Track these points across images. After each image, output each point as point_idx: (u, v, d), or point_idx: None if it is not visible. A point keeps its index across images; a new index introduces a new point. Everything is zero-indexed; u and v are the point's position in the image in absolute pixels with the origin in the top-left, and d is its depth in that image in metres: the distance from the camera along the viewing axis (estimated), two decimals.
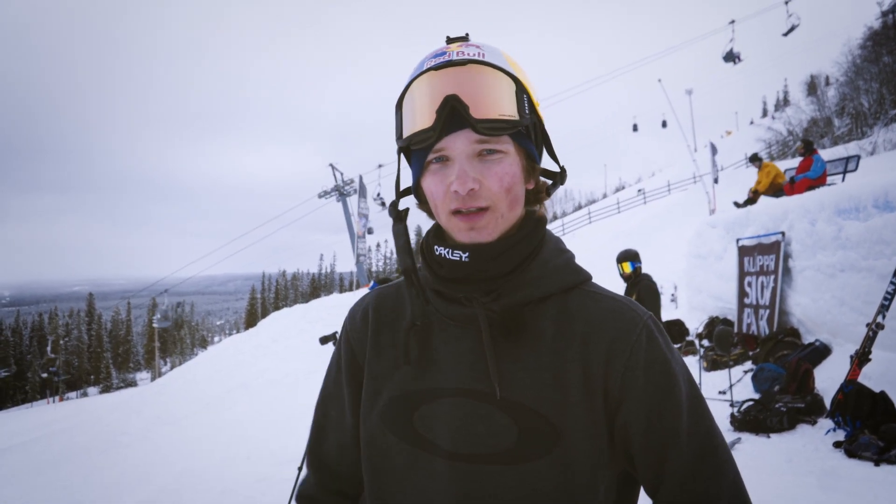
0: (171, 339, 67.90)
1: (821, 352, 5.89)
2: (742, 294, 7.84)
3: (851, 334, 5.63)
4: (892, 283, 4.71)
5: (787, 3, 15.39)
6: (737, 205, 10.38)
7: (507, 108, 0.76)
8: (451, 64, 0.77)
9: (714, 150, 17.62)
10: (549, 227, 0.91)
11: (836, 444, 4.21)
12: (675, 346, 0.90)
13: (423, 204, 0.87)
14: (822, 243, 6.27)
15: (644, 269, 5.69)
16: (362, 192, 18.55)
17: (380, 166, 19.70)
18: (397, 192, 0.88)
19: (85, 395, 47.06)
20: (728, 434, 4.83)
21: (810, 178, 8.77)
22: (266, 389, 9.25)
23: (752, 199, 10.02)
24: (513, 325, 0.81)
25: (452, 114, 0.75)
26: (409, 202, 0.90)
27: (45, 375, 43.83)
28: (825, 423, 4.66)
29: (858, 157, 9.93)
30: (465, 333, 0.84)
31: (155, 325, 35.23)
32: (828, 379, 5.26)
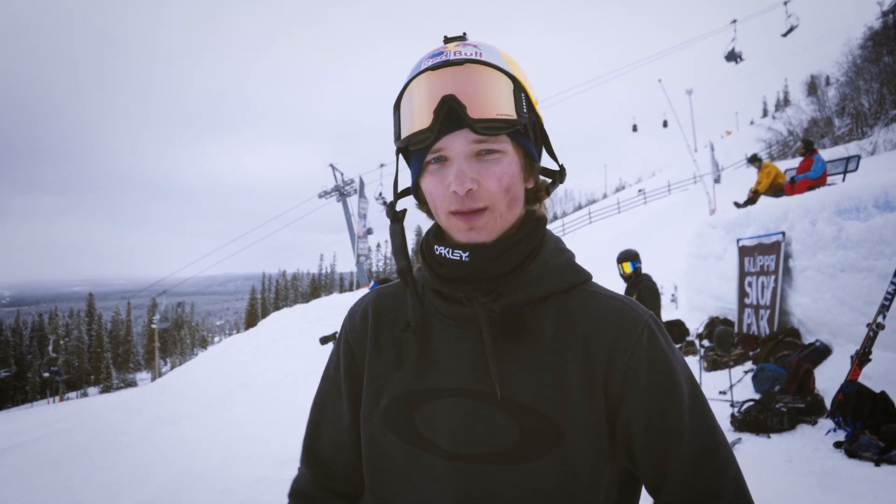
0: (171, 340, 67.90)
1: (821, 352, 5.89)
2: (742, 294, 7.84)
3: (852, 334, 5.63)
4: (892, 283, 4.71)
5: (786, 3, 15.38)
6: (737, 205, 10.38)
7: (504, 108, 0.76)
8: (448, 64, 0.77)
9: (712, 150, 17.61)
10: (549, 227, 0.90)
11: (837, 445, 4.21)
12: (676, 346, 0.91)
13: (423, 204, 0.87)
14: (823, 243, 6.27)
15: (644, 270, 5.68)
16: (362, 192, 18.55)
17: (381, 165, 19.70)
18: (395, 193, 0.87)
19: (85, 395, 47.07)
20: (728, 434, 4.82)
21: (811, 178, 8.76)
22: (266, 389, 9.25)
23: (752, 200, 10.01)
24: (513, 325, 0.81)
25: (450, 114, 0.75)
26: (407, 203, 0.89)
27: (46, 375, 43.82)
28: (825, 423, 4.66)
29: (859, 157, 9.92)
30: (465, 333, 0.84)
31: (154, 327, 35.24)
32: (828, 379, 5.26)
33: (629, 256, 5.36)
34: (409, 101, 0.79)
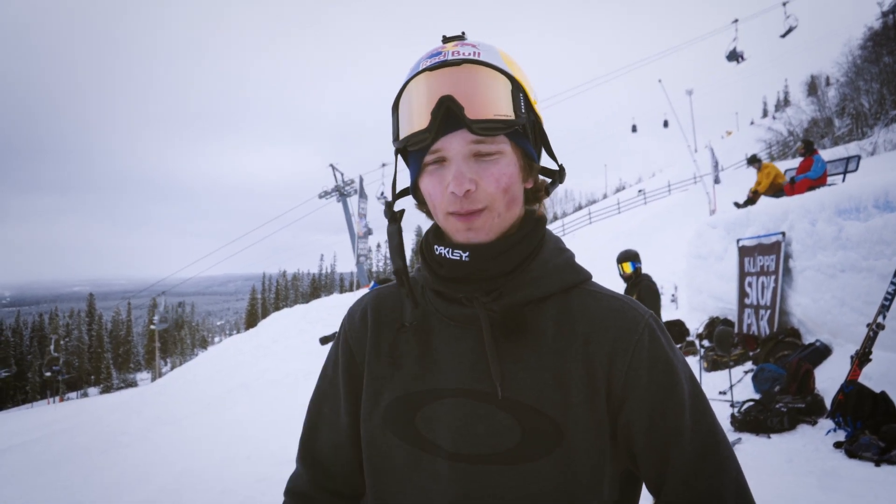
0: (171, 340, 67.90)
1: (821, 352, 5.89)
2: (742, 294, 7.84)
3: (852, 334, 5.63)
4: (892, 283, 4.71)
5: (785, 4, 15.40)
6: (737, 205, 10.38)
7: (502, 108, 0.76)
8: (446, 64, 0.76)
9: (713, 152, 17.61)
10: (549, 227, 0.90)
11: (837, 445, 4.21)
12: (676, 346, 0.91)
13: (422, 205, 0.87)
14: (823, 243, 6.27)
15: (644, 270, 5.68)
16: (362, 192, 18.56)
17: (383, 165, 19.69)
18: (394, 193, 0.87)
19: (85, 395, 47.07)
20: (728, 434, 4.83)
21: (811, 178, 8.76)
22: (266, 390, 9.25)
23: (751, 200, 10.01)
24: (514, 324, 0.81)
25: (448, 114, 0.75)
26: (405, 203, 0.89)
27: (48, 374, 43.93)
28: (826, 423, 4.66)
29: (859, 158, 9.92)
30: (465, 333, 0.84)
31: (153, 328, 35.27)
32: (828, 379, 5.26)
33: (629, 256, 5.36)
34: (408, 101, 0.79)
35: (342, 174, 20.67)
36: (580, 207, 73.19)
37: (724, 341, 7.14)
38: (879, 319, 4.67)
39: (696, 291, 9.92)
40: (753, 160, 10.44)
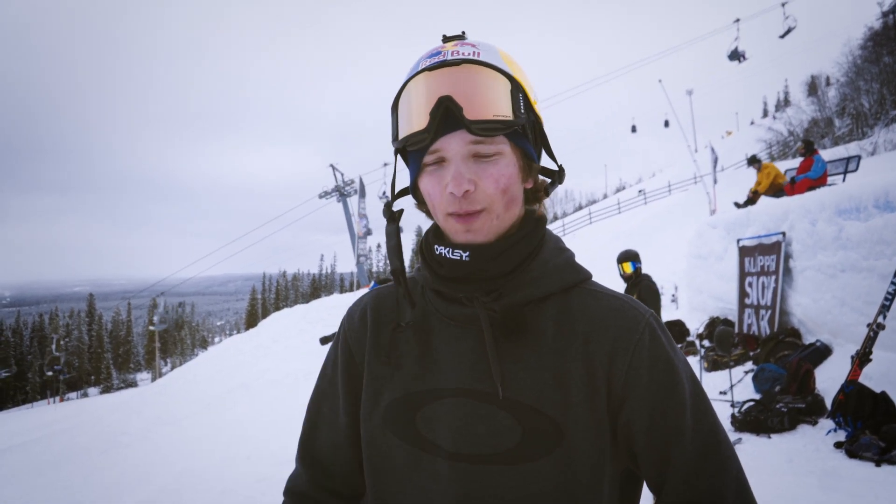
0: (171, 340, 67.92)
1: (821, 352, 5.89)
2: (743, 294, 7.84)
3: (852, 334, 5.63)
4: (892, 283, 4.71)
5: (783, 5, 15.42)
6: (737, 205, 10.37)
7: (502, 108, 0.76)
8: (445, 64, 0.76)
9: (715, 155, 17.60)
10: (549, 227, 0.90)
11: (837, 445, 4.21)
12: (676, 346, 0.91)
13: (422, 204, 0.87)
14: (823, 243, 6.27)
15: (644, 270, 5.68)
16: (363, 192, 18.57)
17: (385, 164, 19.71)
18: (393, 193, 0.87)
19: (85, 395, 47.09)
20: (729, 434, 4.81)
21: (811, 178, 8.76)
22: (266, 390, 9.25)
23: (751, 200, 10.01)
24: (514, 324, 0.81)
25: (447, 115, 0.75)
26: (404, 203, 0.89)
27: (50, 373, 44.03)
28: (826, 423, 4.66)
29: (859, 158, 9.93)
30: (465, 333, 0.84)
31: (152, 329, 35.32)
32: (829, 379, 5.26)
33: (629, 256, 5.36)
34: (407, 101, 0.79)
35: (342, 174, 20.70)
36: (580, 207, 73.21)
37: (724, 341, 7.13)
38: (880, 319, 4.67)
39: (696, 291, 9.92)
40: (753, 161, 10.43)
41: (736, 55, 16.67)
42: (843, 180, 9.08)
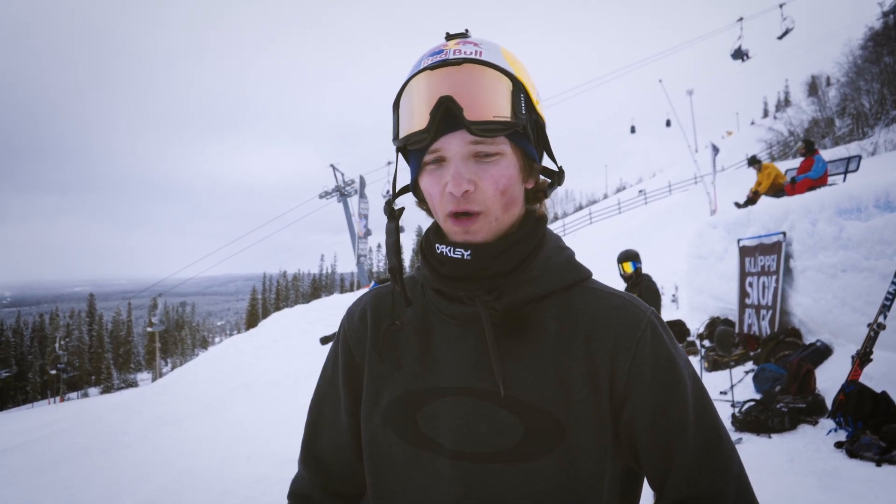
0: (171, 340, 67.96)
1: (822, 352, 5.88)
2: (743, 294, 7.83)
3: (853, 334, 5.62)
4: (893, 283, 4.70)
5: (782, 6, 15.45)
6: (737, 205, 10.37)
7: (502, 109, 0.75)
8: (446, 63, 0.76)
9: (716, 150, 17.62)
10: (549, 227, 0.90)
11: (838, 445, 4.21)
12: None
13: (422, 202, 0.87)
14: (824, 243, 6.27)
15: (645, 270, 5.68)
16: (363, 192, 18.57)
17: (388, 163, 19.70)
18: (394, 191, 0.88)
19: (86, 395, 47.13)
20: (729, 434, 4.82)
21: (811, 178, 8.76)
22: (267, 390, 9.25)
23: (752, 200, 10.01)
24: (515, 323, 0.81)
25: (447, 115, 0.75)
26: (406, 201, 0.89)
27: (53, 372, 44.14)
28: (826, 423, 4.65)
29: (859, 158, 9.92)
30: (466, 332, 0.84)
31: (150, 330, 35.37)
32: (829, 379, 5.25)
33: (630, 256, 5.36)
34: (408, 100, 0.78)
35: (342, 174, 20.70)
36: (581, 207, 73.23)
37: (724, 341, 7.13)
38: (880, 319, 4.67)
39: (696, 291, 9.92)
40: (753, 161, 10.43)
41: (739, 54, 16.68)
42: (844, 180, 9.07)
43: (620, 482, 0.83)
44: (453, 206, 0.78)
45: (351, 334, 0.95)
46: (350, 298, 14.75)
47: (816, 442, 4.40)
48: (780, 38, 15.62)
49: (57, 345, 45.61)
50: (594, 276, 0.90)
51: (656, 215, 25.46)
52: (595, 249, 18.95)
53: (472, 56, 0.77)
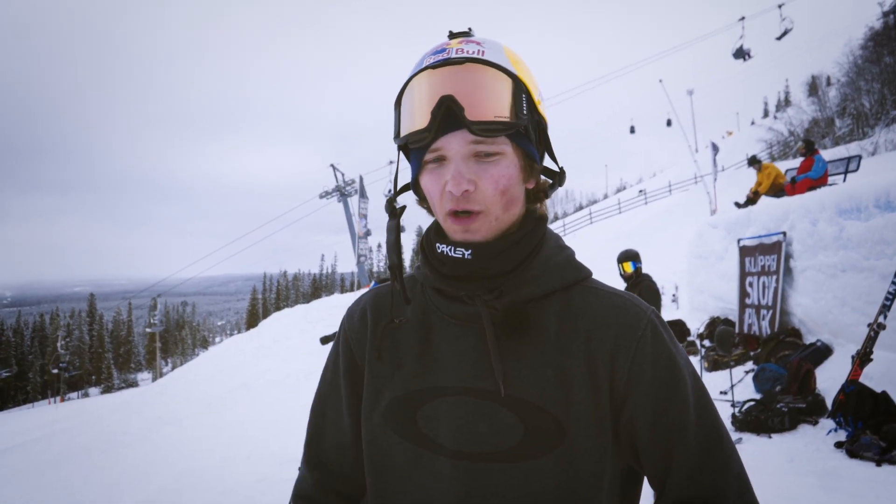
0: (172, 340, 68.00)
1: (822, 352, 5.88)
2: (743, 294, 7.83)
3: (853, 334, 5.62)
4: (893, 283, 4.70)
5: (780, 6, 15.46)
6: (738, 205, 10.37)
7: (503, 109, 0.75)
8: (448, 62, 0.76)
9: (716, 149, 17.62)
10: (549, 227, 0.90)
11: (838, 445, 4.20)
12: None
13: (423, 201, 0.87)
14: (824, 243, 6.27)
15: (645, 270, 5.67)
16: (363, 192, 18.56)
17: (390, 162, 19.70)
18: (395, 189, 0.88)
19: (86, 395, 47.14)
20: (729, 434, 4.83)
21: (811, 178, 8.75)
22: (267, 390, 9.25)
23: (752, 200, 10.00)
24: (516, 322, 0.81)
25: (448, 114, 0.75)
26: (406, 200, 0.89)
27: (55, 371, 44.19)
28: (826, 423, 4.65)
29: (860, 158, 9.91)
30: (466, 332, 0.84)
31: (149, 330, 35.41)
32: (829, 379, 5.25)
33: (630, 256, 5.36)
34: (409, 99, 0.78)
35: (343, 174, 20.70)
36: (581, 207, 73.23)
37: (724, 341, 7.13)
38: (880, 319, 4.67)
39: (696, 291, 9.92)
40: (753, 161, 10.42)
41: (741, 53, 16.68)
42: (844, 180, 9.06)
43: (620, 482, 0.83)
44: (453, 205, 0.78)
45: (351, 334, 0.95)
46: (350, 298, 14.75)
47: (816, 442, 4.40)
48: (779, 38, 15.63)
49: (59, 344, 45.66)
50: (594, 276, 0.90)
51: (656, 215, 25.45)
52: (595, 249, 18.95)
53: (475, 55, 0.76)
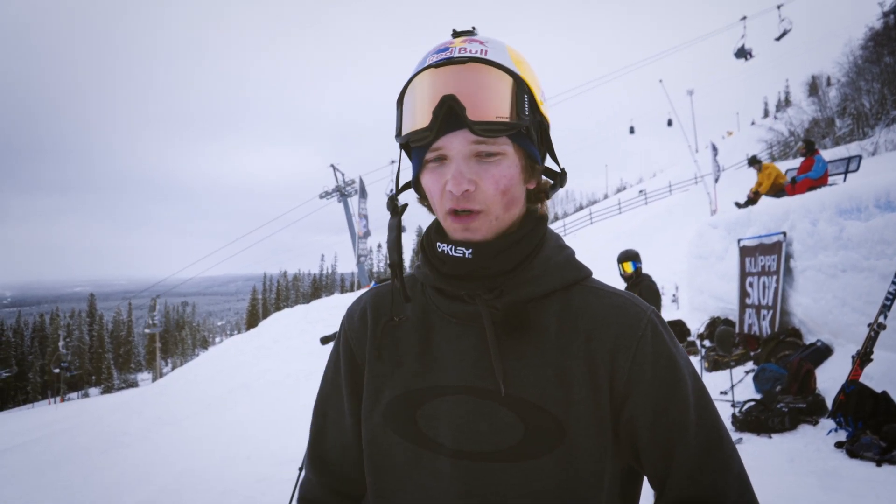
0: (172, 340, 68.00)
1: (822, 352, 5.88)
2: (743, 294, 7.83)
3: (853, 334, 5.62)
4: (893, 283, 4.70)
5: (779, 7, 15.48)
6: (738, 205, 10.37)
7: (505, 110, 0.75)
8: (451, 62, 0.76)
9: (715, 150, 17.63)
10: (550, 226, 0.90)
11: (838, 445, 4.20)
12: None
13: (424, 199, 0.87)
14: (824, 243, 6.26)
15: (645, 270, 5.67)
16: (363, 192, 18.55)
17: (392, 162, 19.71)
18: (397, 187, 0.88)
19: (86, 395, 47.12)
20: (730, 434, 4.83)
21: (812, 178, 8.75)
22: (267, 390, 9.25)
23: (752, 200, 10.00)
24: (516, 322, 0.81)
25: (449, 114, 0.75)
26: (407, 199, 0.89)
27: (57, 370, 44.25)
28: (827, 423, 4.65)
29: (860, 158, 9.91)
30: (466, 331, 0.84)
31: (147, 331, 35.43)
32: (829, 379, 5.25)
33: (630, 256, 5.36)
34: (412, 97, 0.78)
35: (343, 174, 20.69)
36: (581, 207, 73.19)
37: (725, 341, 7.13)
38: (881, 319, 4.66)
39: (697, 291, 9.92)
40: (754, 161, 10.42)
41: (743, 53, 16.70)
42: (844, 180, 9.06)
43: (620, 481, 0.83)
44: (453, 204, 0.78)
45: (351, 334, 0.94)
46: (350, 298, 14.75)
47: (817, 442, 4.40)
48: (778, 39, 15.66)
49: (61, 343, 45.69)
50: (594, 276, 0.90)
51: (656, 215, 25.46)
52: (595, 249, 18.95)
53: (478, 55, 0.76)
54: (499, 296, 0.81)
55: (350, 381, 0.93)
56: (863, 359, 4.63)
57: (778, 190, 9.68)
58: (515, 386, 0.79)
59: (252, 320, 66.93)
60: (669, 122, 31.98)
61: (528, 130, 0.79)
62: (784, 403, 4.93)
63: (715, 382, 6.26)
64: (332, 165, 20.80)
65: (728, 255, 8.63)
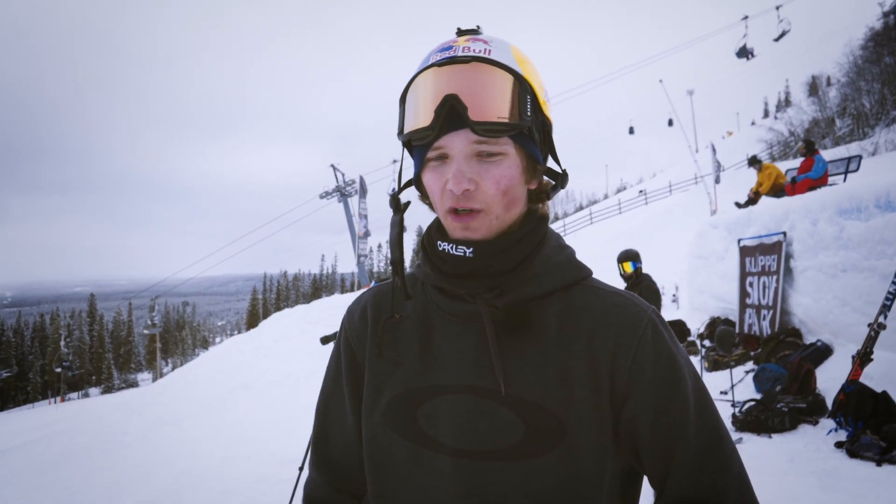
0: (172, 340, 67.98)
1: (822, 352, 5.88)
2: (744, 294, 7.83)
3: (853, 334, 5.62)
4: (893, 283, 4.70)
5: (778, 8, 15.49)
6: (738, 205, 10.36)
7: (507, 110, 0.75)
8: (454, 61, 0.76)
9: (714, 151, 17.64)
10: (550, 226, 0.90)
11: (838, 445, 4.20)
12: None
13: (425, 197, 0.87)
14: (824, 243, 6.26)
15: (645, 270, 5.67)
16: (363, 192, 18.55)
17: (394, 161, 19.69)
18: (399, 184, 0.88)
19: (86, 395, 47.13)
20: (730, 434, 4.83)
21: (812, 178, 8.75)
22: (267, 390, 9.24)
23: (752, 200, 10.00)
24: (517, 321, 0.81)
25: (451, 113, 0.75)
26: (410, 197, 0.90)
27: (58, 370, 44.25)
28: (827, 423, 4.65)
29: (860, 158, 9.90)
30: (466, 330, 0.84)
31: (146, 332, 35.42)
32: (829, 379, 5.25)
33: (630, 256, 5.35)
34: (414, 96, 0.78)
35: (343, 174, 20.69)
36: (581, 207, 73.17)
37: (725, 341, 7.13)
38: (881, 319, 4.66)
39: (697, 291, 9.92)
40: (754, 161, 10.42)
41: (744, 52, 16.72)
42: (844, 180, 9.06)
43: (620, 481, 0.83)
44: (453, 203, 0.78)
45: (352, 333, 0.94)
46: (350, 298, 14.74)
47: (817, 442, 4.40)
48: (777, 39, 15.68)
49: (62, 342, 45.69)
50: (594, 276, 0.90)
51: (657, 215, 25.46)
52: (595, 249, 18.94)
53: (481, 54, 0.76)
54: (499, 295, 0.81)
55: (351, 380, 0.93)
56: (863, 359, 4.63)
57: (778, 190, 9.68)
58: (516, 385, 0.79)
59: (252, 320, 66.93)
60: (670, 122, 32.00)
61: (530, 131, 0.79)
62: (784, 403, 4.93)
63: (715, 382, 6.26)
64: (332, 165, 20.80)
65: (728, 255, 8.63)
